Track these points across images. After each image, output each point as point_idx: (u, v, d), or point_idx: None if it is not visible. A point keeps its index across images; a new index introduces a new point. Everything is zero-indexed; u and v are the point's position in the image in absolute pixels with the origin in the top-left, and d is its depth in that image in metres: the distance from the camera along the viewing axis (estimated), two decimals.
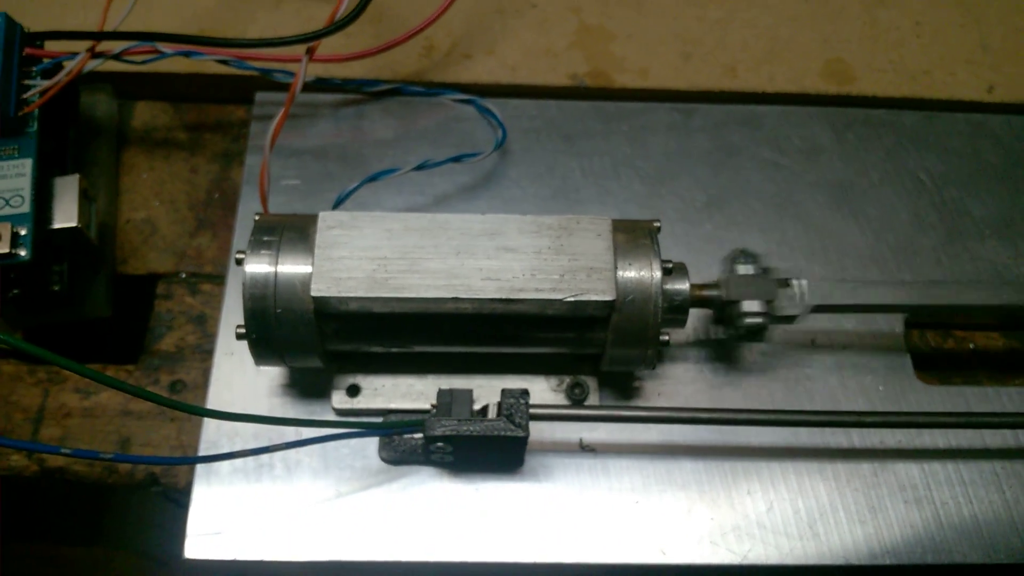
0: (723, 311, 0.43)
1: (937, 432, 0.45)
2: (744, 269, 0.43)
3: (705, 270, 0.48)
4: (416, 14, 0.50)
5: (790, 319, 0.43)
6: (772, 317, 0.43)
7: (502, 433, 0.39)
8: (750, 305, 0.42)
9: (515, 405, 0.40)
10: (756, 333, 0.43)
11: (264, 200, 0.46)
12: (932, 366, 0.49)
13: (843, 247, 0.50)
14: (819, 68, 0.54)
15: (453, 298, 0.39)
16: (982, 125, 0.54)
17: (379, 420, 0.43)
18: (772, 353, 0.47)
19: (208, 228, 0.51)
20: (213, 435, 0.44)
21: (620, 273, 0.40)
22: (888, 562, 0.42)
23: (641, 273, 0.40)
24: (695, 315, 0.46)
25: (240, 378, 0.45)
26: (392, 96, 0.53)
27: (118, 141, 0.53)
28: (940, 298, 0.44)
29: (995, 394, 0.47)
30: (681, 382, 0.46)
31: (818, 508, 0.43)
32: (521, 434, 0.39)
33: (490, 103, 0.52)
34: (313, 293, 0.38)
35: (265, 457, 0.43)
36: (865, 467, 0.44)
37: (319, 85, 0.51)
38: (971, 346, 0.50)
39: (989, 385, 0.48)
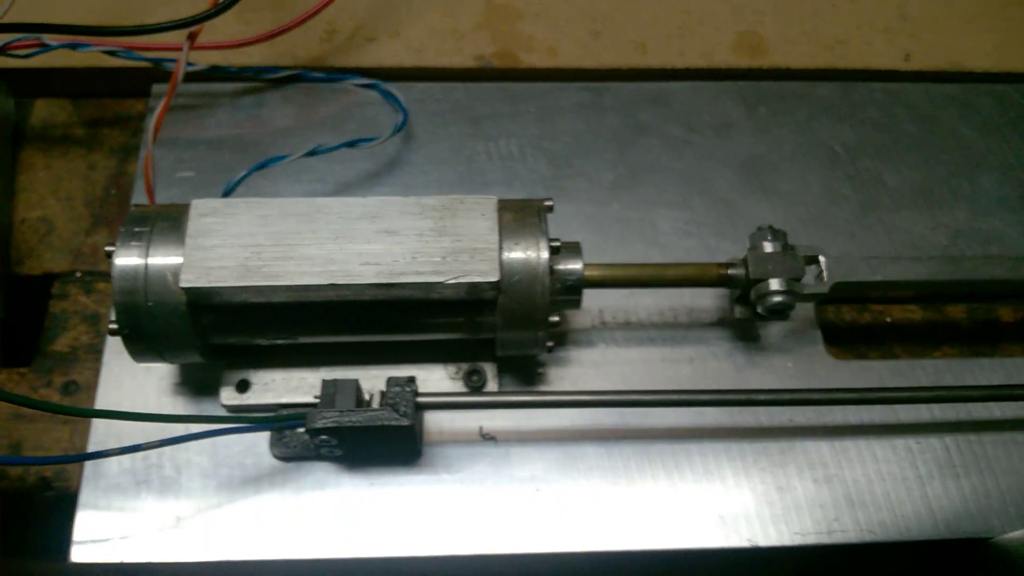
0: (748, 290, 0.42)
1: (849, 408, 0.44)
2: (771, 247, 0.42)
3: (612, 250, 0.47)
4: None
5: (815, 297, 0.42)
6: (797, 295, 0.41)
7: (385, 423, 0.38)
8: (776, 284, 0.41)
9: (400, 394, 0.38)
10: (780, 312, 0.42)
11: (150, 193, 0.44)
12: (847, 340, 0.48)
13: (753, 222, 0.48)
14: (731, 42, 0.53)
15: (330, 284, 0.37)
16: (899, 94, 0.53)
17: (267, 415, 0.42)
18: (681, 332, 0.46)
19: (104, 225, 0.49)
20: (102, 436, 0.42)
21: (505, 254, 0.39)
22: (796, 542, 0.41)
23: (528, 253, 0.39)
24: (594, 296, 0.45)
25: (130, 378, 0.44)
26: (293, 83, 0.51)
27: (15, 140, 0.52)
28: (961, 273, 0.42)
29: (910, 367, 0.46)
30: (585, 366, 0.45)
31: (724, 490, 0.42)
32: (405, 423, 0.38)
33: (394, 87, 0.50)
34: (183, 284, 0.37)
35: (154, 457, 0.42)
36: (773, 446, 0.43)
37: (215, 74, 0.50)
38: (888, 319, 0.49)
39: (905, 358, 0.47)
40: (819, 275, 0.42)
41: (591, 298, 0.43)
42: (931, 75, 0.53)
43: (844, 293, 0.45)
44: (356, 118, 0.51)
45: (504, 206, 0.40)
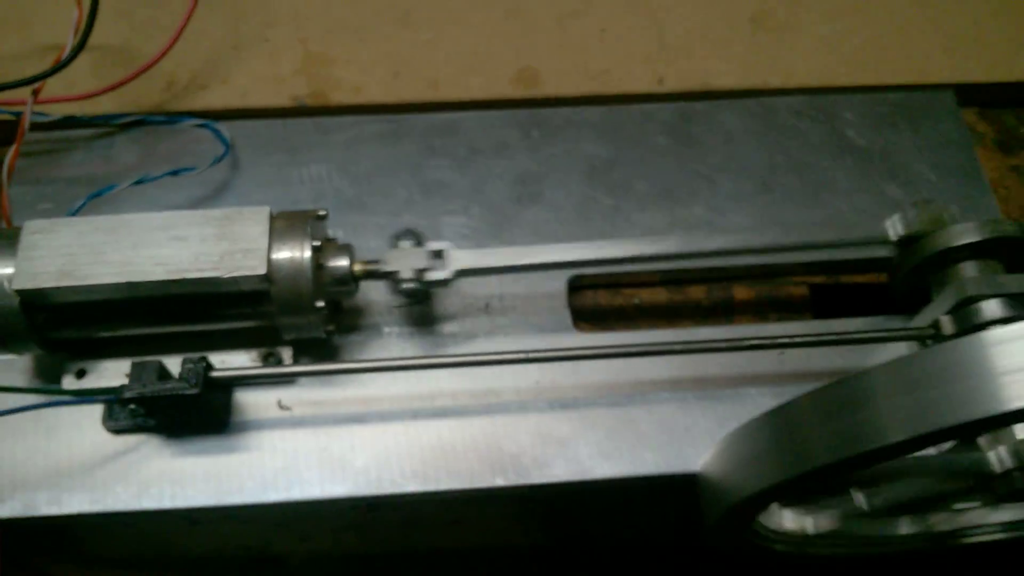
0: (390, 280, 0.52)
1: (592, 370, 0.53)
2: (404, 244, 0.52)
3: None
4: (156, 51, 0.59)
5: (444, 283, 0.51)
6: (426, 282, 0.51)
7: (178, 392, 0.47)
8: (407, 273, 0.51)
9: (192, 369, 0.48)
10: (417, 295, 0.51)
11: (8, 221, 0.54)
12: (598, 319, 0.57)
13: (521, 225, 0.58)
14: (511, 76, 0.63)
15: (128, 282, 0.47)
16: (653, 113, 0.63)
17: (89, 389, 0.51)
18: (452, 316, 0.55)
19: None
20: None
21: (274, 254, 0.48)
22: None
23: (293, 252, 0.48)
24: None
25: None
26: (138, 126, 0.61)
27: None
28: (567, 255, 0.52)
29: (650, 336, 0.55)
30: (370, 349, 0.54)
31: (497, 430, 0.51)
32: (194, 392, 0.47)
33: (222, 126, 0.60)
34: (15, 287, 0.47)
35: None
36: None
37: (70, 122, 0.60)
38: (636, 301, 0.58)
39: (646, 328, 0.56)
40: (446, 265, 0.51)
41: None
42: (683, 95, 0.63)
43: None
44: (191, 153, 0.60)
45: (280, 215, 0.50)
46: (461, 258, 0.52)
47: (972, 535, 0.56)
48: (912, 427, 0.34)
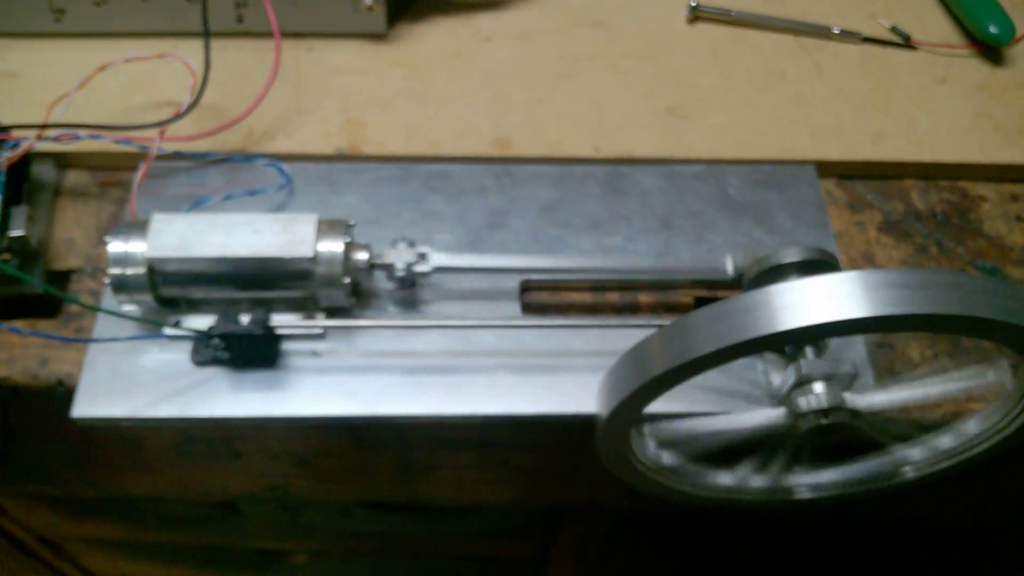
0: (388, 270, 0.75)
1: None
2: (400, 245, 0.75)
3: None
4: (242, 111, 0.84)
5: (426, 275, 0.75)
6: (413, 273, 0.74)
7: (248, 331, 0.70)
8: (400, 265, 0.74)
9: (258, 319, 0.71)
10: (405, 282, 0.75)
11: (134, 217, 0.78)
12: (540, 311, 0.80)
13: (490, 243, 0.81)
14: (491, 141, 0.88)
15: (221, 257, 0.70)
16: (591, 172, 0.87)
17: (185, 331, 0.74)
18: (432, 300, 0.79)
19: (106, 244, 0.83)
20: (95, 349, 0.75)
21: (319, 245, 0.72)
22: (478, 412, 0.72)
23: (331, 245, 0.72)
24: None
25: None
26: (224, 162, 0.86)
27: (55, 192, 0.86)
28: (520, 263, 0.75)
29: (575, 321, 0.78)
30: (377, 318, 0.77)
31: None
32: (259, 332, 0.70)
33: (285, 165, 0.85)
34: (147, 255, 0.70)
35: (127, 353, 0.74)
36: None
37: (178, 156, 0.84)
38: (569, 301, 0.81)
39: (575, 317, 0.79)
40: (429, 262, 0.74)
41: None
42: (613, 160, 0.88)
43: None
44: (262, 183, 0.84)
45: (324, 222, 0.73)
46: (439, 259, 0.75)
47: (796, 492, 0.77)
48: (718, 343, 0.52)
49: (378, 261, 0.74)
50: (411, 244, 0.75)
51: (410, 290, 0.78)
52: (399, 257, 0.74)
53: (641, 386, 0.59)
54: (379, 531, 1.20)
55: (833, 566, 1.28)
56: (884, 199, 0.90)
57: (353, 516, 1.07)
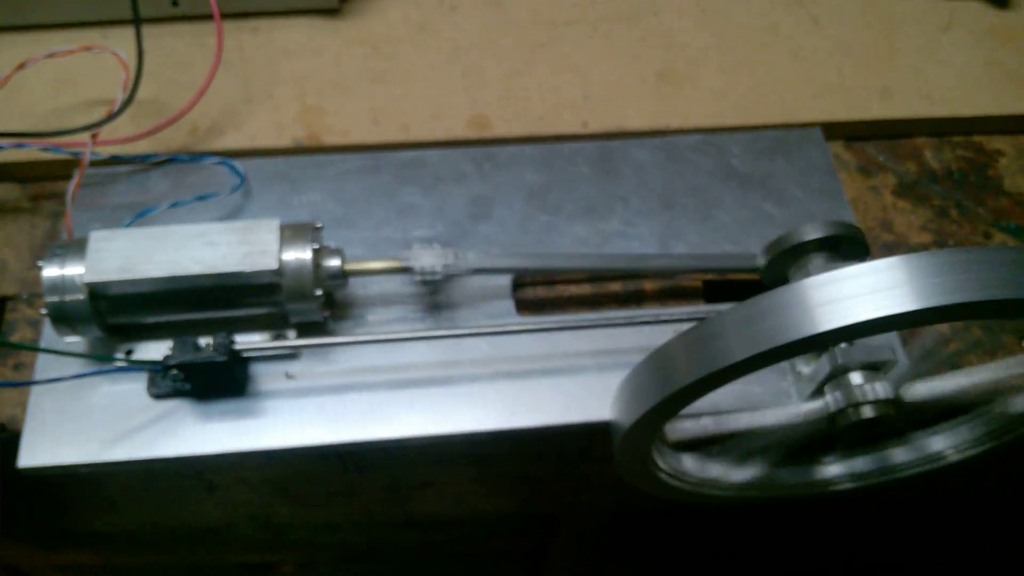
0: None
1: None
2: (423, 246, 0.67)
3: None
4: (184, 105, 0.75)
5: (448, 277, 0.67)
6: (447, 276, 0.66)
7: (209, 359, 0.62)
8: (433, 268, 0.66)
9: (221, 342, 0.62)
10: (432, 284, 0.67)
11: (70, 235, 0.69)
12: (536, 307, 0.72)
13: (475, 237, 0.73)
14: (466, 121, 0.79)
15: (171, 276, 0.61)
16: (579, 149, 0.79)
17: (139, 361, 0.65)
18: (414, 304, 0.70)
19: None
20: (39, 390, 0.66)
21: (283, 254, 0.63)
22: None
23: (297, 253, 0.63)
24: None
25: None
26: (169, 164, 0.76)
27: None
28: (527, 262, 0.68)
29: (576, 317, 0.71)
30: (356, 332, 0.69)
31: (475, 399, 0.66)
32: (222, 359, 0.62)
33: (237, 162, 0.76)
34: (84, 280, 0.61)
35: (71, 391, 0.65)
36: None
37: (116, 160, 0.75)
38: (567, 294, 0.73)
39: (574, 313, 0.72)
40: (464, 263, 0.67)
41: None
42: (602, 135, 0.80)
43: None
44: (213, 184, 0.75)
45: (287, 226, 0.65)
46: (473, 259, 0.67)
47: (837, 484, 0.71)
48: (751, 348, 0.46)
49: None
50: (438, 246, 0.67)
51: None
52: (425, 259, 0.66)
53: (666, 397, 0.52)
54: (368, 542, 1.13)
55: (838, 551, 1.24)
56: (896, 160, 0.83)
57: (341, 530, 0.99)
